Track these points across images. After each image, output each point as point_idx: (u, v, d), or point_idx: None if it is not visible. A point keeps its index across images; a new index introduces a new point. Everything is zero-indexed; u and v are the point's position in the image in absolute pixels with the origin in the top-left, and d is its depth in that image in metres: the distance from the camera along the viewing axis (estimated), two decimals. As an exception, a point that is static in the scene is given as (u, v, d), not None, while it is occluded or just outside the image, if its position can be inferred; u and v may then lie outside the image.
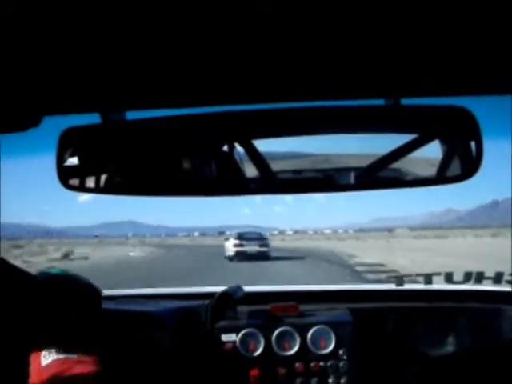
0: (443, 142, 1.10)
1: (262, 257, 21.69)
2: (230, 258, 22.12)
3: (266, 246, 23.30)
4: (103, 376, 1.03)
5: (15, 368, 0.98)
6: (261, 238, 23.80)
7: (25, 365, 0.98)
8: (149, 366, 1.21)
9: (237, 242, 22.64)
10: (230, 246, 22.86)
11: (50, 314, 1.01)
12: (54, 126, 1.16)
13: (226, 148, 1.13)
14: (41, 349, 0.99)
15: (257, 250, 22.44)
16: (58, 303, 1.03)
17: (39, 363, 0.97)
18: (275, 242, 39.46)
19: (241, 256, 21.61)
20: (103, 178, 1.15)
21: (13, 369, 0.98)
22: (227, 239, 24.96)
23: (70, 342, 1.00)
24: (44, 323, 1.00)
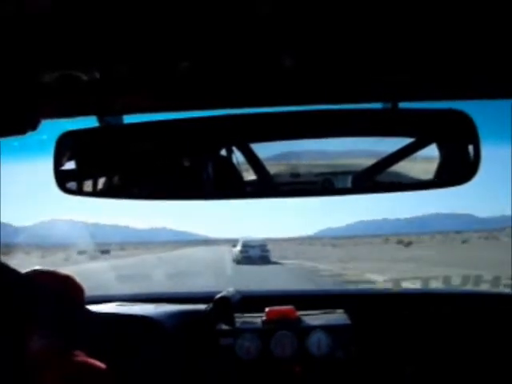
0: (441, 145, 1.10)
1: (264, 260, 25.64)
2: (238, 262, 25.52)
3: (267, 251, 28.07)
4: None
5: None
6: (262, 245, 28.70)
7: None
8: (147, 369, 1.21)
9: (243, 248, 27.25)
10: (238, 252, 27.28)
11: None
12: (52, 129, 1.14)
13: (223, 152, 1.13)
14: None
15: (259, 254, 26.63)
16: None
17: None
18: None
19: (246, 259, 25.33)
20: (101, 181, 1.15)
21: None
22: (235, 246, 29.64)
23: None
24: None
